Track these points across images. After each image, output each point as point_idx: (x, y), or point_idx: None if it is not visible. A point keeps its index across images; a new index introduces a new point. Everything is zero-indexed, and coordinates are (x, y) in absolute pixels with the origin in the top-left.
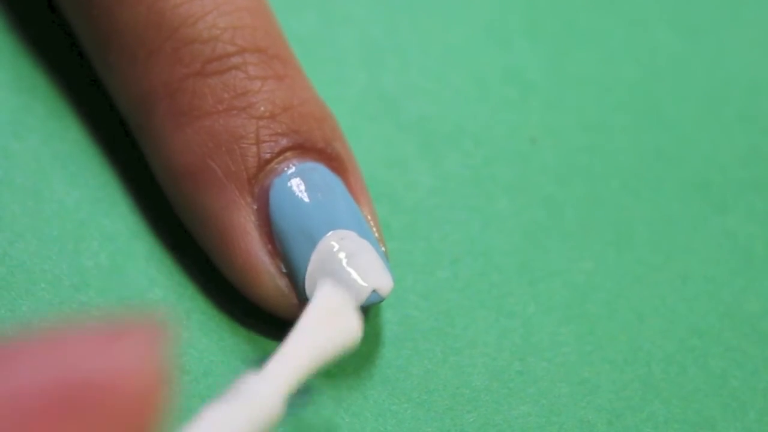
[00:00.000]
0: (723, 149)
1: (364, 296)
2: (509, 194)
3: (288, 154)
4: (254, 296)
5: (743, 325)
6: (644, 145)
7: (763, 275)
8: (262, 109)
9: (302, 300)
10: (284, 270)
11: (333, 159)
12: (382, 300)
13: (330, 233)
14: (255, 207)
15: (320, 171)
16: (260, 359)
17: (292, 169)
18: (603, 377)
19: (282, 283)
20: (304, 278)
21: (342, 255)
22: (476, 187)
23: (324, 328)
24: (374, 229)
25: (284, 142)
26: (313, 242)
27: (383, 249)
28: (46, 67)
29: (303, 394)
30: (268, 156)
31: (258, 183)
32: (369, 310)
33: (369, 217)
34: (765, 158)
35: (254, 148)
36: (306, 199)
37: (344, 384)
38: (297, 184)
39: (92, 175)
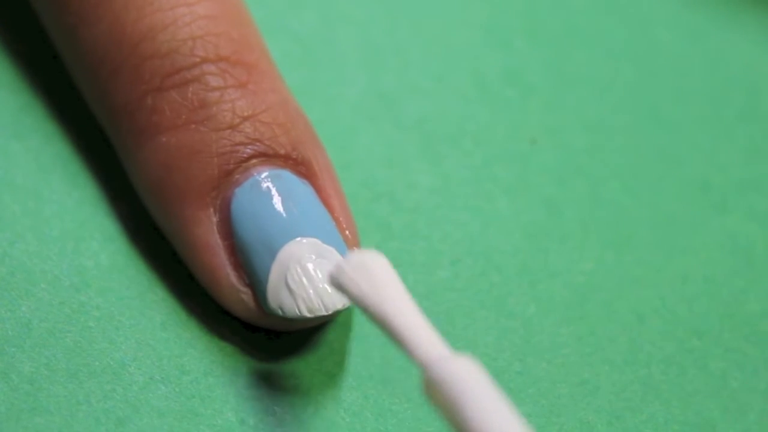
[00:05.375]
0: (723, 149)
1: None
2: (509, 195)
3: (251, 163)
4: (221, 305)
5: (743, 326)
6: (644, 145)
7: (764, 276)
8: (221, 120)
9: (265, 311)
10: (248, 281)
11: (299, 164)
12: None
13: (290, 243)
14: (216, 220)
15: (284, 178)
16: (259, 359)
17: (253, 179)
18: (603, 378)
19: (245, 295)
20: (265, 290)
21: (299, 266)
22: (476, 187)
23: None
24: (347, 231)
25: (245, 151)
26: (272, 253)
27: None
28: (47, 67)
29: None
30: (229, 167)
31: (220, 195)
32: None
33: (341, 219)
34: (765, 158)
35: (214, 161)
36: (266, 209)
37: (344, 384)
38: (257, 193)
39: (92, 175)
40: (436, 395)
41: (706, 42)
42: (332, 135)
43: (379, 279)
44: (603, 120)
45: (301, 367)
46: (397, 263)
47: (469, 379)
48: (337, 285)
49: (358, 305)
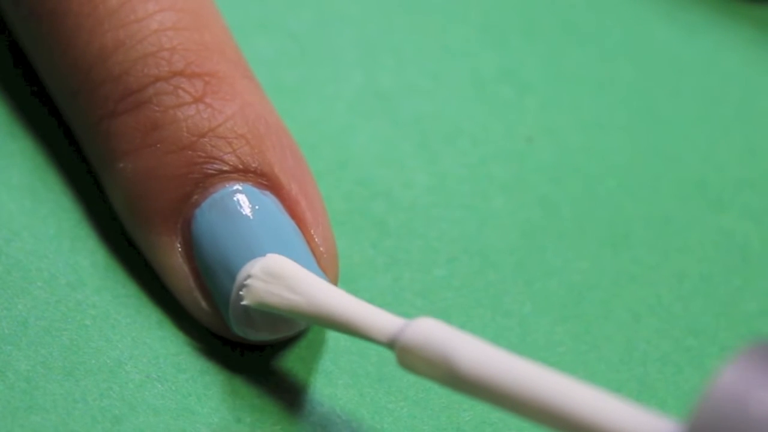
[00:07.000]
0: (719, 148)
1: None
2: (505, 193)
3: (209, 182)
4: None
5: (739, 324)
6: (640, 144)
7: (760, 274)
8: (175, 141)
9: (234, 332)
10: (212, 304)
11: (260, 176)
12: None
13: (248, 264)
14: (179, 244)
15: (244, 193)
16: (255, 357)
17: (211, 199)
18: (599, 377)
19: (212, 317)
20: (229, 314)
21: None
22: (473, 185)
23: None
24: (321, 248)
25: (203, 171)
26: (232, 276)
27: (326, 257)
28: None
29: None
30: (187, 189)
31: (180, 218)
32: None
33: (314, 233)
34: (761, 157)
35: (172, 184)
36: (223, 229)
37: (340, 382)
38: (215, 213)
39: (88, 174)
40: (416, 361)
41: (701, 40)
42: (329, 133)
43: (296, 280)
44: (599, 118)
45: (297, 365)
46: (394, 261)
47: (443, 331)
48: (256, 302)
49: (288, 314)
